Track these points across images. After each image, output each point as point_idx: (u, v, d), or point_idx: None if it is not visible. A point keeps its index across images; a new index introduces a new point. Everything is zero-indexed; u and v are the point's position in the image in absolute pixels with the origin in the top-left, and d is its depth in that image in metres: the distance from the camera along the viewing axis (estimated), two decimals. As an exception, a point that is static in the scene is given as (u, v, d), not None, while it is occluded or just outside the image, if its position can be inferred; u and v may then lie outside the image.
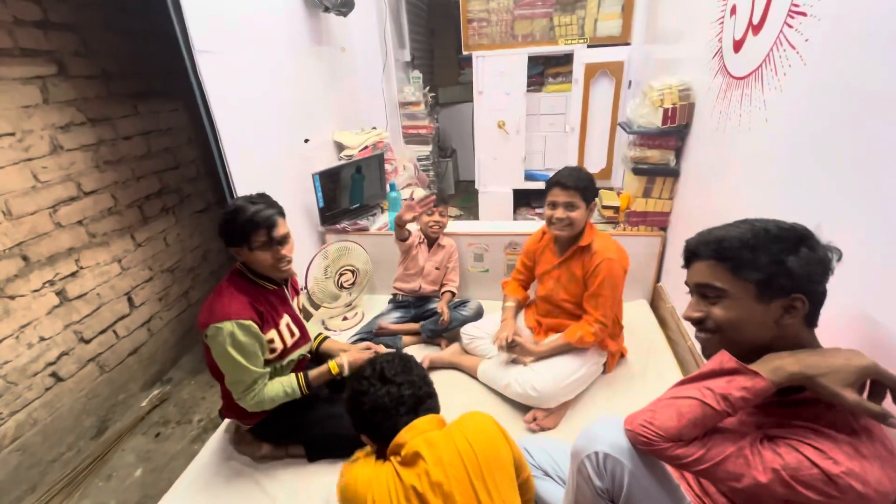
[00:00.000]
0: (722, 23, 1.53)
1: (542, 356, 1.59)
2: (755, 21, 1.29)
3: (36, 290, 1.65)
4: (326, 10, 2.31)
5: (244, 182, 1.80)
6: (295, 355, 1.40)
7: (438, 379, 1.80)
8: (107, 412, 1.92)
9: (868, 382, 0.72)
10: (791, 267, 0.73)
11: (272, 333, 1.31)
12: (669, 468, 0.89)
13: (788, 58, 1.12)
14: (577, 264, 1.57)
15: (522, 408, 1.60)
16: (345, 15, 2.45)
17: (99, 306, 1.89)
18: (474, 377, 1.76)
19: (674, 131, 1.84)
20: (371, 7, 2.98)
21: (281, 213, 1.30)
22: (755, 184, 1.32)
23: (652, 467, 0.85)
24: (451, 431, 0.93)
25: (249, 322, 1.22)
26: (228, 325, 1.19)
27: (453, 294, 2.15)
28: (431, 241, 2.16)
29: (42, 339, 1.67)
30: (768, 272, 0.74)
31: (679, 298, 1.96)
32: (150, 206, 2.16)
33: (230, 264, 2.85)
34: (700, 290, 0.83)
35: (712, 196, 1.64)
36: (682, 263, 0.88)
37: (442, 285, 2.17)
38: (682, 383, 0.86)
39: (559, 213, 1.50)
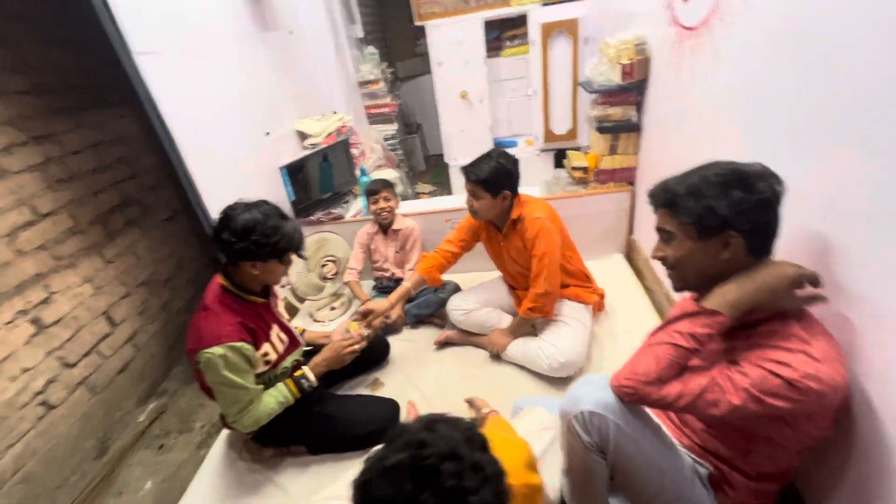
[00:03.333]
0: (669, -28, 1.53)
1: (516, 336, 1.70)
2: (700, -31, 1.30)
3: (8, 322, 1.59)
4: (268, -8, 2.19)
5: (209, 185, 1.75)
6: (287, 362, 1.39)
7: (444, 354, 1.85)
8: (105, 432, 1.92)
9: None
10: (718, 209, 0.82)
11: (266, 347, 1.30)
12: (650, 411, 0.97)
13: (735, 4, 1.15)
14: (517, 237, 1.60)
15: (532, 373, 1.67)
16: (288, -4, 2.34)
17: (78, 329, 1.85)
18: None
19: (633, 87, 1.86)
20: (314, -17, 2.84)
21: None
22: (711, 131, 1.37)
23: (634, 415, 0.92)
24: None
25: (241, 344, 1.19)
26: (220, 350, 1.16)
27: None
28: (386, 228, 2.15)
29: (25, 369, 1.63)
30: (699, 215, 0.84)
31: (651, 249, 2.05)
32: (113, 221, 2.08)
33: (206, 271, 2.80)
34: (659, 233, 0.95)
35: (673, 147, 1.69)
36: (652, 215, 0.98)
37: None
38: (653, 333, 0.94)
39: (468, 201, 1.57)
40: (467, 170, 1.53)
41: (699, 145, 1.46)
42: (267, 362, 1.30)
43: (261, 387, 1.29)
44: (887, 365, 0.79)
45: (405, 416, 1.54)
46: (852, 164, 0.82)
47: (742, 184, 0.82)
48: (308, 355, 1.51)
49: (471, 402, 1.39)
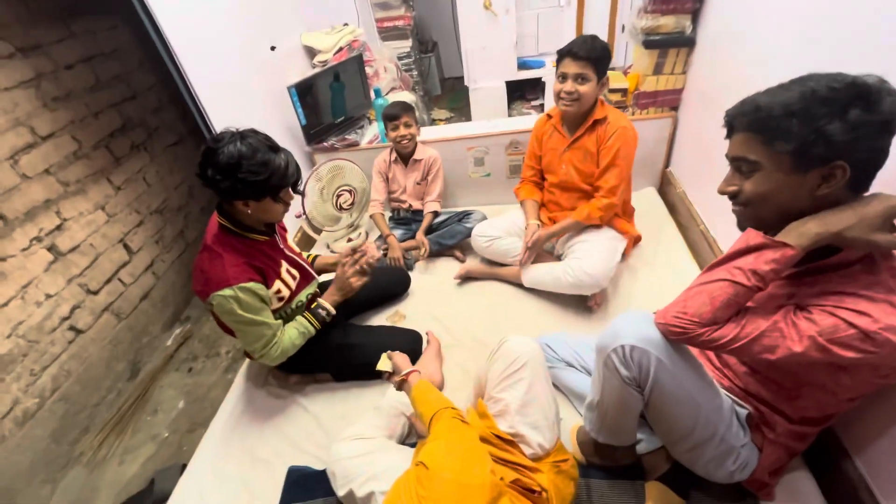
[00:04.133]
0: None
1: (555, 234, 1.61)
2: None
3: (25, 249, 1.57)
4: None
5: (215, 105, 1.62)
6: (302, 296, 1.36)
7: (467, 288, 1.83)
8: (135, 355, 1.98)
9: None
10: (831, 133, 0.66)
11: (277, 284, 1.25)
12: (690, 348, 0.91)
13: None
14: (591, 140, 1.52)
15: (556, 303, 1.64)
16: None
17: (96, 256, 1.84)
18: (513, 283, 1.75)
19: (691, -10, 1.60)
20: None
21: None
22: (784, 54, 1.17)
23: (678, 352, 0.87)
24: None
25: (251, 283, 1.14)
26: (230, 292, 1.11)
27: (435, 214, 2.03)
28: (406, 157, 2.01)
29: (48, 296, 1.64)
30: (803, 141, 0.68)
31: (689, 183, 1.91)
32: (117, 145, 1.98)
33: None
34: (735, 163, 0.79)
35: (732, 67, 1.48)
36: (722, 135, 0.82)
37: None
38: (709, 269, 0.85)
39: (568, 85, 1.42)
40: (574, 48, 1.38)
41: (767, 71, 1.25)
42: (280, 299, 1.27)
43: (280, 321, 1.27)
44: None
45: (426, 345, 1.55)
46: None
47: (864, 101, 0.65)
48: (323, 288, 1.47)
49: (390, 358, 1.19)
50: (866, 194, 0.72)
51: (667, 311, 0.87)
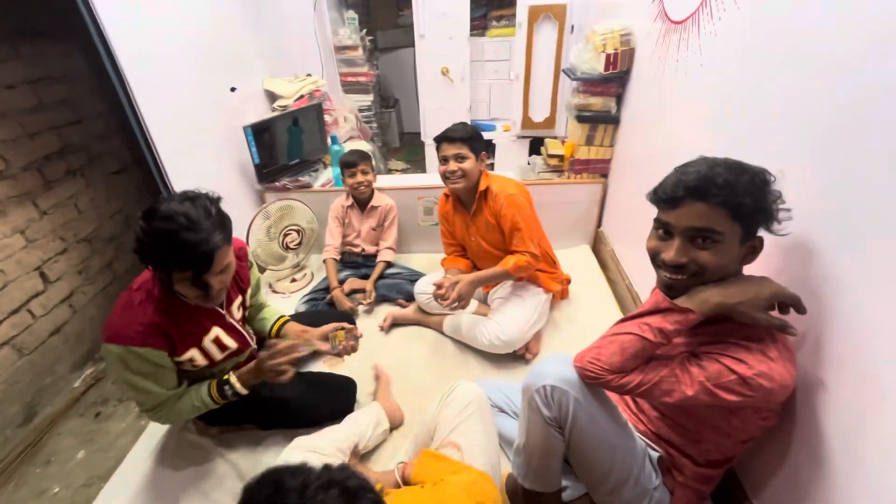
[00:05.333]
0: (662, -37, 1.52)
1: (480, 283, 1.60)
2: (693, -38, 1.29)
3: (-80, 271, 1.42)
4: (242, -66, 2.02)
5: (164, 138, 1.62)
6: (228, 364, 1.23)
7: (403, 333, 1.84)
8: (33, 397, 1.76)
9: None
10: (770, 210, 0.79)
11: (191, 353, 1.12)
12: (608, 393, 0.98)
13: (723, 1, 1.15)
14: (487, 212, 1.62)
15: (490, 354, 1.67)
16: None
17: (4, 284, 1.68)
18: (440, 332, 1.80)
19: (615, 77, 1.86)
20: (294, -67, 2.65)
21: (227, 237, 1.00)
22: (692, 129, 1.38)
23: (594, 394, 0.94)
24: None
25: (146, 350, 1.01)
26: (118, 350, 0.99)
27: (388, 264, 2.08)
28: (363, 204, 2.07)
29: (-62, 324, 1.46)
30: (755, 216, 0.78)
31: (618, 242, 2.09)
32: (51, 169, 1.88)
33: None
34: (692, 234, 0.81)
35: (651, 143, 1.71)
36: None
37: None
38: (622, 321, 0.94)
39: (451, 165, 1.54)
40: (449, 133, 1.54)
41: (678, 143, 1.46)
42: (193, 366, 1.15)
43: (175, 390, 1.13)
44: (831, 361, 0.83)
45: (376, 382, 1.55)
46: (835, 167, 0.83)
47: (768, 185, 0.79)
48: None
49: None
50: (745, 276, 0.85)
51: (583, 355, 0.94)
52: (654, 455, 1.03)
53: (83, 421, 1.74)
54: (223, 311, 1.19)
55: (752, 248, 0.83)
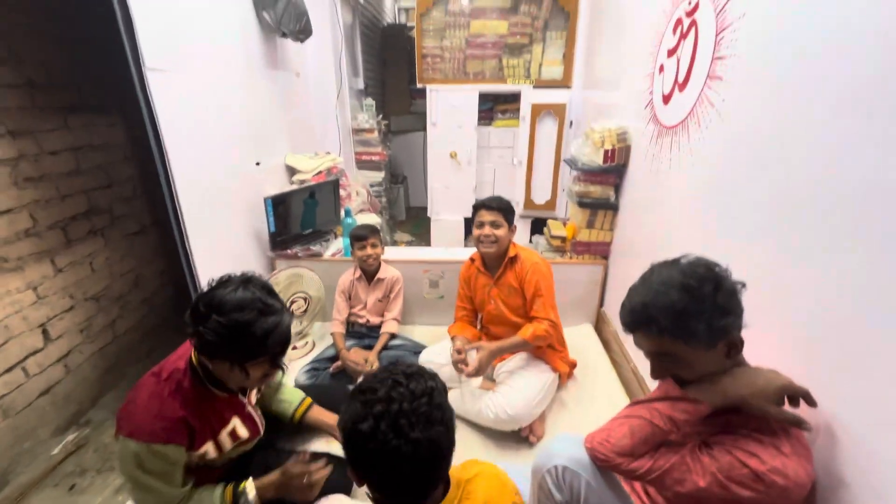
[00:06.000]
0: (652, 77, 1.74)
1: (499, 353, 1.63)
2: (680, 80, 1.49)
3: (-72, 323, 1.42)
4: (284, 35, 2.30)
5: (190, 202, 1.70)
6: (234, 453, 1.16)
7: None
8: (9, 463, 1.66)
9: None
10: (725, 323, 0.80)
11: (207, 447, 1.06)
12: (619, 477, 0.96)
13: (709, 113, 1.30)
14: (511, 276, 1.71)
15: (493, 434, 1.62)
16: (302, 41, 2.46)
17: (6, 340, 1.67)
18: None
19: (613, 170, 2.02)
20: (327, 34, 3.01)
21: (291, 316, 1.01)
22: (684, 218, 1.49)
23: (606, 478, 0.92)
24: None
25: (168, 447, 0.96)
26: (135, 447, 0.92)
27: (392, 335, 2.08)
28: (370, 275, 2.13)
29: (-69, 380, 1.43)
30: (707, 332, 0.80)
31: (620, 324, 2.11)
32: (75, 228, 1.96)
33: (162, 291, 2.61)
34: (659, 357, 0.87)
35: (647, 228, 1.81)
36: (622, 322, 0.91)
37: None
38: (633, 404, 0.95)
39: (486, 230, 1.67)
40: (488, 202, 1.67)
41: (672, 230, 1.58)
42: (202, 458, 1.07)
43: (187, 488, 1.04)
44: (849, 455, 0.83)
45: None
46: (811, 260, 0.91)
47: (719, 286, 0.80)
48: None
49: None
50: (755, 368, 0.87)
51: (594, 436, 0.94)
52: (668, 549, 0.97)
53: (57, 493, 1.63)
54: (244, 399, 1.14)
55: (731, 346, 0.83)
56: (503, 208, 1.67)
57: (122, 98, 1.68)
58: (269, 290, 0.97)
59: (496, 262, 1.74)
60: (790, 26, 0.98)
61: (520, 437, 1.61)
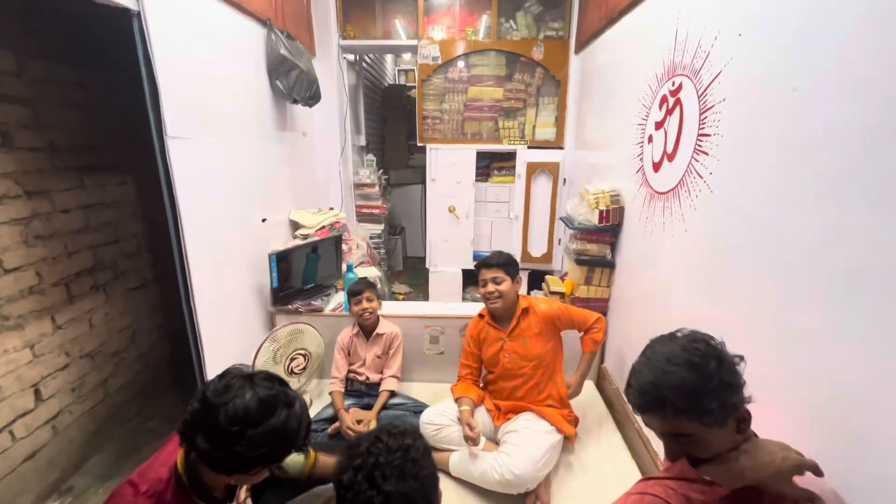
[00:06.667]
0: (641, 146, 1.86)
1: (584, 378, 1.85)
2: (669, 151, 1.59)
3: (-79, 386, 1.39)
4: (295, 101, 2.45)
5: (197, 258, 1.72)
6: None
7: None
8: (-17, 538, 1.56)
9: None
10: (735, 400, 0.82)
11: None
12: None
13: (698, 184, 1.39)
14: (527, 324, 1.77)
15: (497, 499, 1.57)
16: (311, 106, 2.61)
17: (-2, 402, 1.62)
18: (445, 472, 1.68)
19: (608, 229, 2.10)
20: (333, 96, 3.20)
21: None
22: (679, 277, 1.54)
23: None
24: None
25: None
26: None
27: (392, 393, 2.05)
28: (368, 331, 2.13)
29: (-84, 447, 1.38)
30: (722, 409, 0.81)
31: (622, 380, 2.11)
32: (78, 284, 1.97)
33: (159, 346, 2.56)
34: (673, 438, 0.87)
35: (644, 285, 1.86)
36: (639, 348, 0.93)
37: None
38: (645, 481, 0.94)
39: (489, 287, 1.74)
40: (487, 260, 1.75)
41: (668, 287, 1.62)
42: None
43: None
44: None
45: None
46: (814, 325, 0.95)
47: (721, 362, 0.82)
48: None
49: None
50: (765, 442, 0.87)
51: None
52: None
53: (31, 572, 1.51)
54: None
55: (740, 420, 0.85)
56: (503, 263, 1.74)
57: (137, 159, 1.76)
58: (272, 378, 0.93)
59: (507, 315, 1.78)
60: (770, 113, 1.08)
61: (524, 502, 1.56)
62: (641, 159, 1.86)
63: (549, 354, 1.77)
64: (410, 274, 4.52)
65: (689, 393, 0.80)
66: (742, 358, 0.86)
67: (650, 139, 1.77)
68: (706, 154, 1.34)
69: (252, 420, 0.84)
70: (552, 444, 1.63)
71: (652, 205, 1.75)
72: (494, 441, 1.78)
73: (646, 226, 1.81)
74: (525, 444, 1.60)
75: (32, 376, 1.75)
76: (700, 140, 1.38)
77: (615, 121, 2.28)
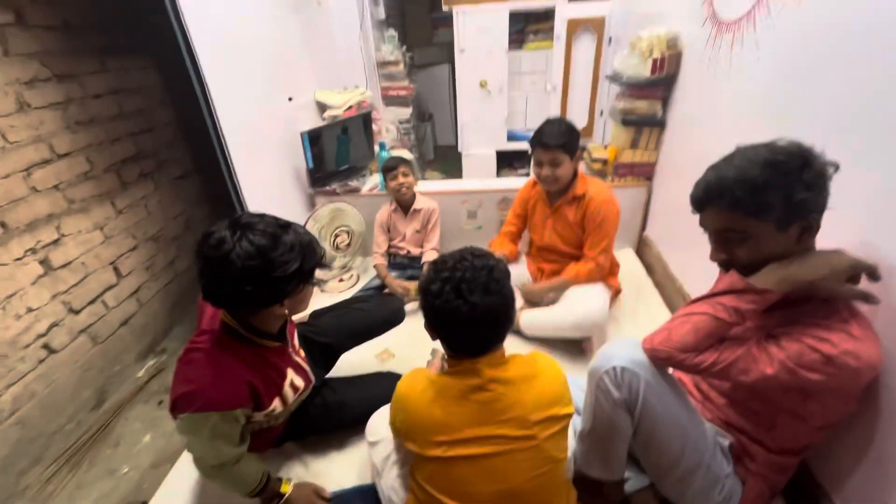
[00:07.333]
0: (711, -31, 1.56)
1: (550, 290, 1.73)
2: (747, -37, 1.33)
3: (18, 259, 1.55)
4: (304, -43, 2.18)
5: (235, 145, 1.72)
6: (294, 405, 1.16)
7: None
8: (104, 383, 1.88)
9: None
10: (803, 197, 0.76)
11: (275, 403, 1.06)
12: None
13: (781, -3, 1.17)
14: (570, 210, 1.65)
15: (557, 346, 1.67)
16: (322, -36, 2.32)
17: (85, 276, 1.81)
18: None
19: (661, 81, 1.89)
20: (345, -42, 2.83)
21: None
22: (744, 127, 1.39)
23: (664, 377, 0.94)
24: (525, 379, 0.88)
25: (240, 411, 0.96)
26: (212, 418, 0.92)
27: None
28: (406, 207, 2.14)
29: (30, 309, 1.59)
30: (783, 207, 0.77)
31: (665, 245, 2.08)
32: (127, 171, 2.04)
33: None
34: (721, 234, 0.86)
35: (698, 145, 1.72)
36: (687, 209, 0.90)
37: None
38: (693, 302, 0.94)
39: (545, 171, 1.56)
40: (543, 139, 1.52)
41: (728, 144, 1.46)
42: (270, 414, 1.07)
43: (244, 447, 1.03)
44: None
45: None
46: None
47: (808, 164, 0.77)
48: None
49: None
50: (819, 251, 0.84)
51: (652, 337, 0.95)
52: (725, 443, 1.02)
53: (147, 408, 1.83)
54: (290, 349, 1.14)
55: (805, 229, 0.81)
56: (562, 143, 1.51)
57: (154, 38, 1.67)
58: (258, 215, 0.93)
59: (557, 194, 1.67)
60: None
61: (574, 350, 1.67)
62: (709, -14, 1.58)
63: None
64: (442, 163, 4.41)
65: (755, 187, 0.78)
66: (837, 167, 0.79)
67: (724, -45, 1.47)
68: (798, -47, 1.10)
69: (266, 247, 0.85)
70: (606, 295, 1.68)
71: (717, 41, 1.53)
72: (535, 304, 1.84)
73: (707, 69, 1.61)
74: (589, 293, 1.64)
75: (109, 255, 1.93)
76: (792, -64, 1.12)
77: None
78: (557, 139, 1.50)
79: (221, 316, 0.98)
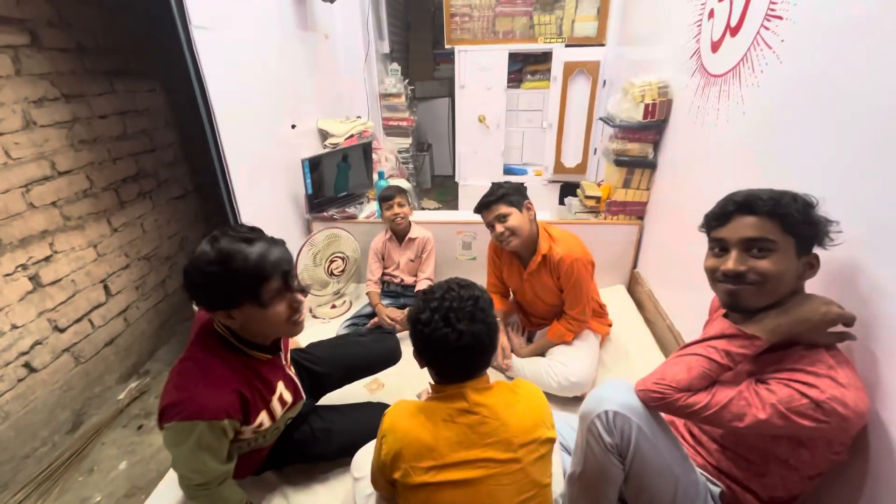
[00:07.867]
0: (699, 26, 1.66)
1: (534, 354, 1.72)
2: (733, 24, 1.42)
3: (8, 275, 1.54)
4: (314, -7, 2.28)
5: (236, 167, 1.75)
6: (281, 423, 1.15)
7: None
8: (82, 405, 1.82)
9: None
10: (820, 226, 0.83)
11: (261, 417, 1.04)
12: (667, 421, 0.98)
13: (765, 56, 1.25)
14: (545, 273, 1.58)
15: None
16: (332, 1, 2.43)
17: (74, 293, 1.79)
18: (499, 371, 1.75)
19: (653, 125, 1.97)
20: (354, -4, 2.96)
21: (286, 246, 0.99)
22: (733, 172, 1.44)
23: (657, 422, 0.94)
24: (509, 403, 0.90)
25: (226, 422, 0.94)
26: (199, 427, 0.90)
27: None
28: (401, 236, 2.15)
29: (14, 326, 1.56)
30: (808, 229, 0.83)
31: (655, 282, 2.11)
32: (126, 190, 2.06)
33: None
34: (747, 244, 0.86)
35: (688, 186, 1.78)
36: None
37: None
38: (684, 347, 0.96)
39: (498, 228, 1.50)
40: (482, 201, 1.53)
41: (717, 187, 1.50)
42: (255, 432, 1.06)
43: (231, 465, 1.03)
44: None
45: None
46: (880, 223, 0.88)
47: (812, 206, 0.84)
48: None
49: None
50: (804, 296, 0.88)
51: (646, 379, 0.95)
52: (716, 490, 1.01)
53: (126, 432, 1.77)
54: (282, 362, 1.13)
55: (809, 265, 0.86)
56: (500, 196, 1.49)
57: (164, 63, 1.72)
58: (246, 228, 0.95)
59: (528, 249, 1.58)
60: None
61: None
62: (698, 41, 1.67)
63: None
64: (439, 191, 4.48)
65: (803, 202, 0.83)
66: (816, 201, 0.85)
67: (710, 14, 1.57)
68: (780, 18, 1.19)
69: (204, 256, 0.87)
70: (595, 347, 1.69)
71: (706, 92, 1.61)
72: (527, 342, 1.83)
73: (696, 117, 1.68)
74: (576, 353, 1.61)
75: (100, 273, 1.91)
76: (773, 2, 1.21)
77: (668, 5, 2.02)
78: (494, 196, 1.50)
79: (214, 326, 0.99)
